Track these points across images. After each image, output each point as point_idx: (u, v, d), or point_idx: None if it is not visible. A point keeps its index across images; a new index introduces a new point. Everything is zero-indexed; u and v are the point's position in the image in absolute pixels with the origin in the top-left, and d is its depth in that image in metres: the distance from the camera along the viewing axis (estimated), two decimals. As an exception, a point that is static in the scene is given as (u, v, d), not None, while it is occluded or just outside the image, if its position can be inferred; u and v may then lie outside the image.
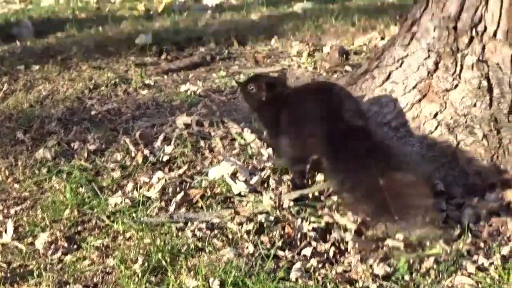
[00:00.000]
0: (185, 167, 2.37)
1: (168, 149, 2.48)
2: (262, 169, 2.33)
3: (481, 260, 1.82)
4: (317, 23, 3.93)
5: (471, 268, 1.77)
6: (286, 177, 2.29)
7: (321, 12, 4.17)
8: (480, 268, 1.78)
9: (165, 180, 2.27)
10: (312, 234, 1.96)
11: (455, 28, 2.32)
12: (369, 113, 2.47)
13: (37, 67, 3.33)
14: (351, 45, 3.57)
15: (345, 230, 1.97)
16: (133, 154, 2.45)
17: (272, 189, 2.22)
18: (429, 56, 2.37)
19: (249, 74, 3.29)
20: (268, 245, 1.89)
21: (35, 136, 2.61)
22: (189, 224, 2.01)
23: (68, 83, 3.13)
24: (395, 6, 4.24)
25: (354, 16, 4.03)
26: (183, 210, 2.12)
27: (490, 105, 2.26)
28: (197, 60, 3.47)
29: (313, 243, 1.93)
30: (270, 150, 2.45)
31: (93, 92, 3.05)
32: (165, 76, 3.29)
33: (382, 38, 3.56)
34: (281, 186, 2.22)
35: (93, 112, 2.84)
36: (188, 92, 3.07)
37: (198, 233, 1.96)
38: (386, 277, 1.77)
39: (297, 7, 4.22)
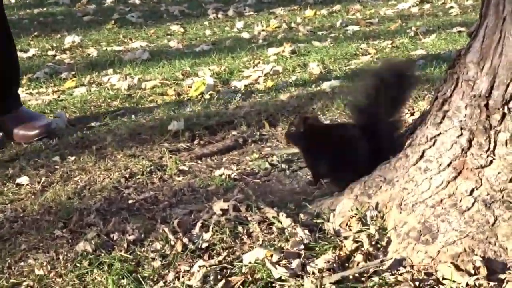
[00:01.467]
0: (225, 253, 2.40)
1: (207, 236, 2.52)
2: (300, 253, 2.36)
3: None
4: (346, 101, 3.99)
5: None
6: (325, 258, 2.32)
7: (349, 89, 4.23)
8: None
9: (206, 268, 2.30)
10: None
11: (486, 105, 2.36)
12: (404, 192, 2.51)
13: (73, 158, 3.40)
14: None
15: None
16: (172, 243, 2.49)
17: (313, 273, 2.25)
18: (462, 134, 2.41)
19: (282, 155, 3.34)
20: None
21: (75, 229, 2.66)
22: (233, 312, 2.04)
23: (104, 173, 3.19)
24: (421, 82, 4.29)
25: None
26: (225, 298, 2.15)
27: (526, 179, 2.29)
28: (230, 143, 3.53)
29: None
30: (307, 232, 2.49)
31: (129, 181, 3.11)
32: (199, 161, 3.35)
33: (412, 114, 3.60)
34: (321, 269, 2.25)
35: (130, 201, 2.89)
36: (223, 177, 3.13)
37: (242, 321, 1.99)
38: None
39: (325, 85, 4.29)
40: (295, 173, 3.16)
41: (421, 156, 2.51)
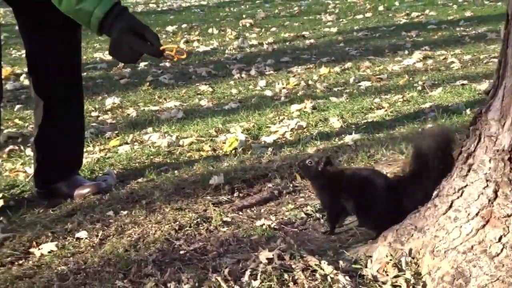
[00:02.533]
0: (275, 300, 2.39)
1: (256, 283, 2.51)
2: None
3: None
4: (369, 153, 3.99)
5: None
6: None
7: (370, 142, 4.23)
8: None
9: (258, 315, 2.29)
10: None
11: (510, 159, 2.36)
12: (436, 239, 2.49)
13: (125, 212, 3.40)
14: (403, 173, 3.59)
15: None
16: (225, 291, 2.48)
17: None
18: (487, 185, 2.40)
19: (315, 205, 3.33)
20: None
21: (135, 279, 2.66)
22: None
23: (155, 225, 3.19)
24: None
25: (402, 144, 4.08)
26: None
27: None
28: (267, 195, 3.53)
29: None
30: (348, 278, 2.48)
31: (179, 233, 3.11)
32: (240, 213, 3.35)
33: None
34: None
35: (182, 252, 2.89)
36: (264, 227, 3.12)
37: None
38: None
39: (348, 139, 4.29)
40: (330, 222, 3.14)
41: (450, 206, 2.51)
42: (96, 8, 3.21)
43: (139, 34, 3.26)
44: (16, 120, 5.97)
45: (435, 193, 2.64)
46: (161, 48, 3.25)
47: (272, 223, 3.14)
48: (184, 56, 3.30)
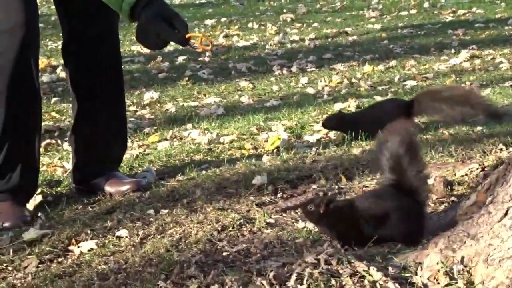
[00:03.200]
0: (322, 306, 2.37)
1: (302, 288, 2.49)
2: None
3: None
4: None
5: None
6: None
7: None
8: None
9: (305, 321, 2.27)
10: None
11: None
12: (490, 247, 2.46)
13: (165, 211, 3.40)
14: (453, 176, 3.56)
15: None
16: (271, 295, 2.46)
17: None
18: (547, 192, 2.36)
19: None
20: None
21: (177, 281, 2.65)
22: None
23: (197, 225, 3.19)
24: (485, 136, 4.25)
25: (451, 146, 4.04)
26: None
27: None
28: (311, 197, 3.50)
29: None
30: (397, 285, 2.45)
31: (222, 233, 3.10)
32: (284, 214, 3.33)
33: (483, 169, 3.54)
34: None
35: (224, 254, 2.88)
36: (308, 229, 3.10)
37: None
38: None
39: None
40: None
41: (506, 214, 2.47)
42: None
43: (167, 21, 3.27)
44: (53, 113, 6.01)
45: (489, 199, 2.60)
46: (187, 36, 3.26)
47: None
48: (209, 48, 3.31)
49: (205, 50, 3.41)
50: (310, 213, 2.92)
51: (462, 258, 2.53)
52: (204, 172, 4.00)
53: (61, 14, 3.77)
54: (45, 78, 7.43)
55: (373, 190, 3.18)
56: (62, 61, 8.45)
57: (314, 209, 2.90)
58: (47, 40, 9.94)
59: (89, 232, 3.25)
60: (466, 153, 3.94)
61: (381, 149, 2.94)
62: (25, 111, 3.52)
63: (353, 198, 3.18)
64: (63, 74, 7.80)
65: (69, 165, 4.15)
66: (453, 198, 3.32)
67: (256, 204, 3.42)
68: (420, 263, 2.62)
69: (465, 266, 2.50)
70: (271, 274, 2.59)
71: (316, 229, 3.10)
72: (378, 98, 5.79)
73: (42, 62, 7.86)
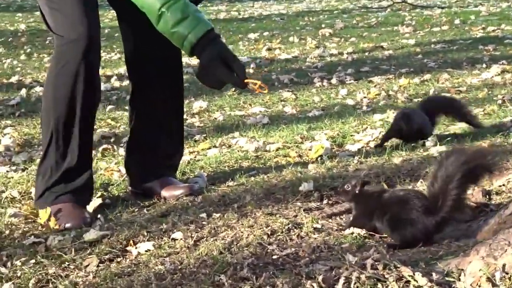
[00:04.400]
0: (370, 309, 2.33)
1: (350, 292, 2.45)
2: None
3: None
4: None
5: None
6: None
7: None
8: None
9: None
10: None
11: None
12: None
13: (217, 215, 3.38)
14: (491, 186, 3.49)
15: None
16: (320, 298, 2.42)
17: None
18: None
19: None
20: None
21: (231, 282, 2.62)
22: None
23: (247, 229, 3.16)
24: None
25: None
26: None
27: None
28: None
29: None
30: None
31: (271, 238, 3.07)
32: (330, 220, 3.29)
33: (517, 181, 3.47)
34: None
35: (274, 257, 2.85)
36: (354, 235, 3.06)
37: None
38: None
39: (433, 150, 4.19)
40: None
41: (547, 223, 2.41)
42: (190, 33, 3.24)
43: (227, 63, 3.27)
44: (109, 121, 6.04)
45: (531, 209, 2.54)
46: (246, 81, 3.26)
47: (362, 232, 3.07)
48: (266, 91, 3.35)
49: (261, 92, 3.45)
50: (346, 191, 3.10)
51: (504, 265, 2.47)
52: (252, 178, 3.97)
53: (123, 30, 3.79)
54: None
55: (408, 189, 3.15)
56: (116, 71, 8.59)
57: (350, 188, 3.09)
58: (101, 51, 10.01)
59: (145, 234, 3.24)
60: (503, 163, 3.86)
61: (445, 161, 2.91)
62: (87, 116, 3.53)
63: (386, 188, 3.28)
64: (117, 84, 7.87)
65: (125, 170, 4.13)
66: (492, 207, 3.25)
67: (304, 210, 3.38)
68: (462, 270, 2.57)
69: (507, 273, 2.45)
70: (320, 278, 2.56)
71: (362, 234, 3.06)
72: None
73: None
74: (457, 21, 12.19)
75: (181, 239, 3.15)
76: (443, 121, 5.21)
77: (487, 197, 3.39)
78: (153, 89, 3.77)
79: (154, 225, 3.35)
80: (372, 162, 4.14)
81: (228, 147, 4.90)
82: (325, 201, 3.53)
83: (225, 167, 4.33)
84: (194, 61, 6.92)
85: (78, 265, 3.01)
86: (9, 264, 3.03)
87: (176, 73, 3.81)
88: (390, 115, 5.43)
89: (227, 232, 3.17)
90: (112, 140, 5.40)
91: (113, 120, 6.07)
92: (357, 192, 3.08)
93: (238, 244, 3.01)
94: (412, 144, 4.50)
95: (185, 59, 9.05)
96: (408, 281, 2.49)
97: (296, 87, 7.29)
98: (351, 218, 3.17)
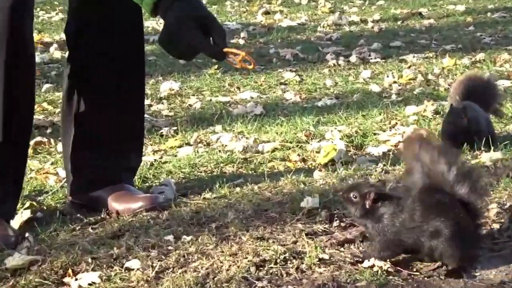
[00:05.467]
0: None
1: None
2: None
3: None
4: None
5: None
6: None
7: (513, 162, 4.13)
8: None
9: None
10: None
11: None
12: None
13: (188, 238, 3.39)
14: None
15: None
16: None
17: None
18: None
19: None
20: None
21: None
22: None
23: (229, 258, 3.17)
24: None
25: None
26: None
27: None
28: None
29: None
30: None
31: (261, 270, 3.08)
32: (342, 248, 3.30)
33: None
34: None
35: (265, 297, 2.86)
36: (374, 269, 3.06)
37: None
38: None
39: (485, 158, 4.20)
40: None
41: None
42: None
43: (202, 25, 3.26)
44: (44, 105, 6.03)
45: None
46: (225, 50, 3.26)
47: (385, 265, 3.08)
48: (251, 67, 3.33)
49: (245, 68, 3.43)
50: (353, 203, 3.08)
51: None
52: (238, 189, 3.97)
53: None
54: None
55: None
56: (56, 37, 8.57)
57: (358, 200, 3.06)
58: (38, 9, 9.98)
59: (90, 260, 3.23)
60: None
61: None
62: (15, 96, 3.51)
63: (405, 198, 3.17)
64: (58, 54, 7.87)
65: (64, 173, 4.13)
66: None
67: (306, 234, 3.39)
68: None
69: None
70: (326, 329, 2.57)
71: (385, 268, 3.07)
72: (463, 101, 5.72)
73: (32, 37, 7.92)
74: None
75: (138, 269, 3.14)
76: (499, 119, 5.24)
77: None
78: (104, 68, 3.77)
79: (101, 249, 3.34)
80: (401, 171, 4.15)
81: (207, 145, 4.90)
82: (335, 223, 3.52)
83: (201, 172, 4.34)
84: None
85: (-5, 303, 3.02)
86: None
87: (135, 46, 3.81)
88: (429, 108, 5.45)
89: (201, 261, 3.17)
90: (48, 131, 5.39)
91: (50, 104, 6.06)
92: (368, 207, 3.06)
93: (215, 279, 3.02)
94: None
95: (153, 23, 9.06)
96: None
97: (301, 66, 7.30)
98: (369, 245, 3.17)
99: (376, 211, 3.06)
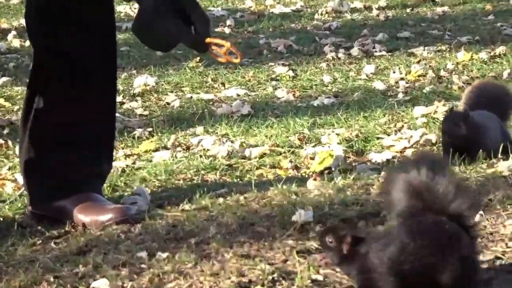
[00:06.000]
0: None
1: None
2: None
3: None
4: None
5: None
6: None
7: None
8: None
9: None
10: None
11: None
12: None
13: (164, 255, 3.41)
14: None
15: None
16: None
17: None
18: None
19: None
20: None
21: None
22: None
23: (209, 279, 3.20)
24: None
25: None
26: None
27: None
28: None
29: None
30: None
31: (246, 292, 3.12)
32: (337, 269, 3.33)
33: None
34: None
35: (250, 325, 2.90)
36: (374, 293, 3.11)
37: None
38: None
39: (502, 167, 4.23)
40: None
41: None
42: None
43: (182, 12, 3.29)
44: (1, 101, 6.04)
45: None
46: (208, 40, 3.29)
47: (385, 290, 3.12)
48: (238, 60, 3.36)
49: (231, 62, 3.46)
50: (329, 248, 3.01)
51: None
52: (221, 200, 4.00)
53: None
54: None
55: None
56: (15, 22, 8.56)
57: (334, 244, 2.98)
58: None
59: (52, 279, 3.26)
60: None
61: None
62: None
63: (391, 235, 3.03)
64: (17, 43, 7.88)
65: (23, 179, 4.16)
66: None
67: (297, 252, 3.42)
68: None
69: None
70: None
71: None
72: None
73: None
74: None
75: (106, 290, 3.18)
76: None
77: None
78: (69, 59, 3.80)
79: (65, 266, 3.37)
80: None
81: (186, 149, 4.93)
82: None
83: (179, 180, 4.37)
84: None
85: None
86: None
87: (105, 34, 3.83)
88: (440, 109, 5.48)
89: (178, 281, 3.20)
90: (5, 131, 5.41)
91: (8, 100, 6.08)
92: (345, 253, 2.96)
93: (194, 302, 3.05)
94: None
95: (126, 8, 9.06)
96: None
97: (296, 59, 7.33)
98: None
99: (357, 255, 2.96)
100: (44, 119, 3.84)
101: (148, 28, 3.30)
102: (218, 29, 8.23)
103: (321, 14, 9.15)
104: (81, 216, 3.81)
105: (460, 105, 5.02)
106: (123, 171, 4.46)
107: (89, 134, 3.88)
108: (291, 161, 4.55)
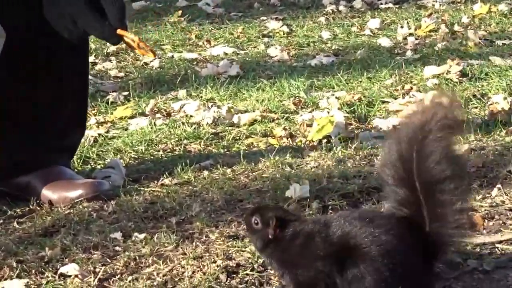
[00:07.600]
0: None
1: None
2: None
3: None
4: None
5: None
6: None
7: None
8: None
9: None
10: None
11: None
12: None
13: (141, 236, 3.41)
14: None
15: None
16: None
17: None
18: None
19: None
20: None
21: None
22: None
23: (192, 262, 3.20)
24: None
25: None
26: None
27: None
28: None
29: None
30: None
31: (233, 278, 3.12)
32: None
33: None
34: None
35: (239, 314, 2.91)
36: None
37: None
38: None
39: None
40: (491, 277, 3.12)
41: None
42: None
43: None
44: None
45: None
46: (119, 32, 3.37)
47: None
48: (153, 57, 3.40)
49: (146, 55, 3.50)
50: (254, 230, 2.89)
51: None
52: (206, 173, 4.01)
53: None
54: None
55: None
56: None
57: (260, 226, 2.88)
58: None
59: (15, 264, 3.26)
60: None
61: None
62: None
63: (326, 219, 2.97)
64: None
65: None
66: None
67: (292, 231, 3.42)
68: None
69: None
70: None
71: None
72: (497, 60, 5.77)
73: None
74: None
75: (76, 276, 3.17)
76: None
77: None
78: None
79: (30, 249, 3.37)
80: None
81: (167, 116, 4.92)
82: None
83: (158, 151, 4.36)
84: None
85: None
86: None
87: None
88: (453, 68, 5.48)
89: (157, 266, 3.20)
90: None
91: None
92: (270, 237, 2.84)
93: (175, 288, 3.06)
94: (486, 121, 4.57)
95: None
96: None
97: (290, 13, 7.33)
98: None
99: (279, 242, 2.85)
100: (9, 90, 3.83)
101: (56, 14, 3.37)
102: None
103: (319, -39, 9.10)
104: (48, 193, 3.81)
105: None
106: (95, 140, 4.46)
107: (54, 100, 3.87)
108: (285, 129, 4.54)
